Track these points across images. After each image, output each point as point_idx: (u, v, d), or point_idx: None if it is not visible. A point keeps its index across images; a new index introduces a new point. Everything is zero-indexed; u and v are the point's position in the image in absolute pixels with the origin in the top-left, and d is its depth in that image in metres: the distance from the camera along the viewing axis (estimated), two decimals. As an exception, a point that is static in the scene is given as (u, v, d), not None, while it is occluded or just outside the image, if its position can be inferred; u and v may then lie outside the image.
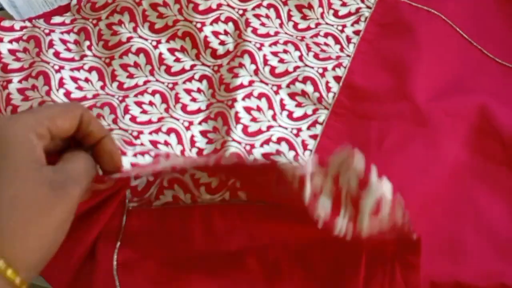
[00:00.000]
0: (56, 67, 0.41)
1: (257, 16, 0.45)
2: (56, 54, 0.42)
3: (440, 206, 0.38)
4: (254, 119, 0.40)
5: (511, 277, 0.35)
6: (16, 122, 0.27)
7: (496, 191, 0.39)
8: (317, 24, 0.46)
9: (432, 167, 0.39)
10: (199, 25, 0.43)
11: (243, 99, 0.41)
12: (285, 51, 0.43)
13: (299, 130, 0.41)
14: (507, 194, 0.39)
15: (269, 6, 0.46)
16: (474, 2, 0.50)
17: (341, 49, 0.45)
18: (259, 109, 0.41)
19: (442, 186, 0.38)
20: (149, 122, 0.40)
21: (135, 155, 0.33)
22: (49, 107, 0.29)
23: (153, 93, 0.41)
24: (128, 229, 0.35)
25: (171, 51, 0.43)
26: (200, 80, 0.43)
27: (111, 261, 0.34)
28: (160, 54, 0.43)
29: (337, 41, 0.45)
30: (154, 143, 0.39)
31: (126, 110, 0.40)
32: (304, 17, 0.46)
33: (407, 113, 0.41)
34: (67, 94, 0.40)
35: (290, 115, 0.41)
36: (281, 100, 0.42)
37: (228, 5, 0.45)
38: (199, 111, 0.41)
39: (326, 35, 0.45)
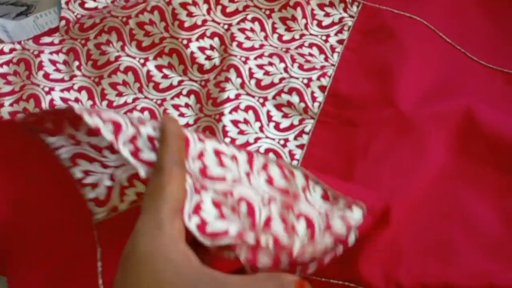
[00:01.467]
0: (46, 89, 0.42)
1: (242, 30, 0.46)
2: (46, 76, 0.43)
3: (428, 208, 0.38)
4: (241, 132, 0.41)
5: (500, 276, 0.35)
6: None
7: (483, 192, 0.39)
8: (302, 35, 0.47)
9: (419, 170, 0.39)
10: (185, 42, 0.44)
11: (230, 112, 0.42)
12: (270, 64, 0.44)
13: (286, 140, 0.41)
14: (494, 194, 0.39)
15: (254, 19, 0.47)
16: (456, 6, 0.51)
17: (326, 59, 0.46)
18: (246, 121, 0.42)
19: (430, 189, 0.39)
20: (139, 138, 0.41)
21: None
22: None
23: (142, 110, 0.42)
24: (104, 244, 0.35)
25: (159, 68, 0.44)
26: (188, 95, 0.44)
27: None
28: (148, 71, 0.44)
29: (321, 51, 0.46)
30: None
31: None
32: (289, 29, 0.47)
33: (392, 118, 0.41)
34: (58, 115, 0.41)
35: (277, 126, 0.42)
36: (268, 111, 0.43)
37: (213, 21, 0.46)
38: (187, 125, 0.42)
39: (311, 45, 0.46)
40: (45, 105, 0.41)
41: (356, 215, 0.32)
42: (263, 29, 0.47)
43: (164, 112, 0.42)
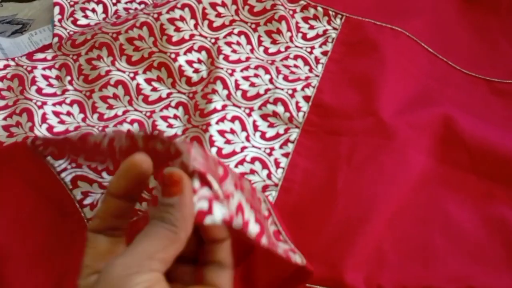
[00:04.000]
0: (39, 103, 0.44)
1: (229, 44, 0.47)
2: (39, 91, 0.44)
3: (410, 215, 0.39)
4: (228, 142, 0.42)
5: (478, 280, 0.36)
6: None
7: (464, 198, 0.40)
8: (287, 48, 0.48)
9: (400, 178, 0.40)
10: (173, 56, 0.46)
11: (217, 123, 0.43)
12: (256, 75, 0.46)
13: (272, 149, 0.43)
14: (474, 200, 0.40)
15: (240, 33, 0.48)
16: (438, 16, 0.52)
17: (310, 70, 0.47)
18: (232, 131, 0.43)
19: (411, 195, 0.40)
20: (129, 150, 0.42)
21: None
22: (151, 242, 0.24)
23: (132, 122, 0.44)
24: None
25: (148, 81, 0.46)
26: (176, 107, 0.45)
27: None
28: (138, 84, 0.45)
29: (306, 62, 0.47)
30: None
31: (107, 140, 0.42)
32: (274, 42, 0.48)
33: (373, 127, 0.42)
34: (50, 128, 0.43)
35: (263, 136, 0.43)
36: (254, 121, 0.44)
37: (201, 35, 0.47)
38: (175, 136, 0.43)
39: (296, 57, 0.48)
40: (37, 119, 0.43)
41: (297, 258, 0.32)
42: (249, 42, 0.48)
43: (153, 124, 0.44)
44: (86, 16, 0.50)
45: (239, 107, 0.44)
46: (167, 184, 0.24)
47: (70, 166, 0.37)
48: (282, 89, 0.45)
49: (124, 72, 0.46)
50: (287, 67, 0.47)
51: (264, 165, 0.42)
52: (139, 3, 0.52)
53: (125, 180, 0.26)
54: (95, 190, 0.38)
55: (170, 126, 0.44)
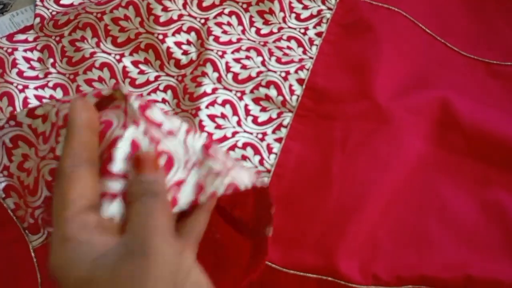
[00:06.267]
0: (20, 87, 0.42)
1: (219, 24, 0.45)
2: (20, 74, 0.42)
3: (405, 201, 0.38)
4: (218, 126, 0.41)
5: (476, 267, 0.35)
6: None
7: (461, 183, 0.39)
8: (280, 29, 0.46)
9: (395, 163, 0.39)
10: (161, 37, 0.44)
11: (207, 107, 0.41)
12: (248, 57, 0.44)
13: (264, 134, 0.41)
14: (471, 184, 0.39)
15: (231, 13, 0.46)
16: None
17: (304, 52, 0.45)
18: (223, 116, 0.41)
19: (406, 181, 0.39)
20: (115, 135, 0.40)
21: None
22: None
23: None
24: (44, 269, 0.35)
25: (135, 63, 0.44)
26: (165, 90, 0.43)
27: None
28: (124, 67, 0.43)
29: (299, 44, 0.46)
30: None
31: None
32: (266, 22, 0.47)
33: (368, 111, 0.41)
34: (32, 112, 0.41)
35: (255, 120, 0.42)
36: (246, 105, 0.42)
37: (190, 15, 0.45)
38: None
39: (289, 38, 0.46)
40: (18, 103, 0.41)
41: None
42: (240, 23, 0.46)
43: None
44: (69, -5, 0.48)
45: (230, 90, 0.42)
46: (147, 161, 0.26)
47: (2, 175, 0.35)
48: (275, 72, 0.43)
49: (109, 54, 0.44)
50: (280, 48, 0.45)
51: (256, 151, 0.40)
52: (125, -18, 0.50)
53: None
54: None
55: (158, 110, 0.42)
